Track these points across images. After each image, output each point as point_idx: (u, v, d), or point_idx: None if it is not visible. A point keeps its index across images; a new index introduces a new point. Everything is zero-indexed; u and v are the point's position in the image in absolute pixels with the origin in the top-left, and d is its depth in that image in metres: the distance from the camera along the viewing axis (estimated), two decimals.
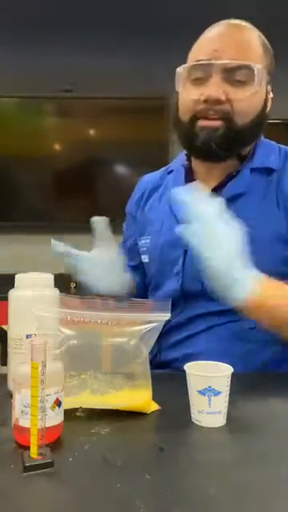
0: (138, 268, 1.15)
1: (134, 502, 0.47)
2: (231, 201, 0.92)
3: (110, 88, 2.82)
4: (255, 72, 0.89)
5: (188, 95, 0.93)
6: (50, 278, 0.79)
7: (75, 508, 0.48)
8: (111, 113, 2.94)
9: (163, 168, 1.17)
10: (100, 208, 3.04)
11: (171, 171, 1.11)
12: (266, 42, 0.96)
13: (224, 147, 0.91)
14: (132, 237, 1.17)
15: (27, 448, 0.55)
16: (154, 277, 1.07)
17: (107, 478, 0.53)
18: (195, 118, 0.92)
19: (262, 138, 1.02)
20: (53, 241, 0.94)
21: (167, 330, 0.93)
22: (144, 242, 1.08)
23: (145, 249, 1.08)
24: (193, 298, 0.96)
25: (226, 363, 0.69)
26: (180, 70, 0.95)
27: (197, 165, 1.03)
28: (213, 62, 0.88)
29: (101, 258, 1.01)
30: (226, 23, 0.94)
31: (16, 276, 0.79)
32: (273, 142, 1.04)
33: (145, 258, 1.08)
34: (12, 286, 0.79)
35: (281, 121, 2.68)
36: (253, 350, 0.92)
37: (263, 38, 0.96)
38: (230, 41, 0.90)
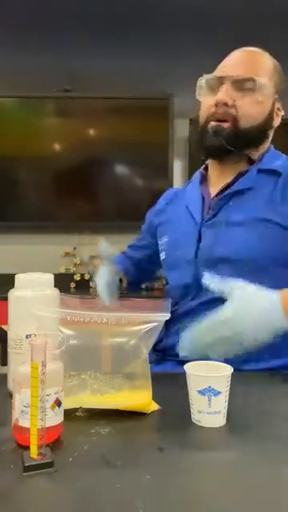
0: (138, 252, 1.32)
1: (133, 502, 0.48)
2: (239, 194, 1.06)
3: (110, 88, 2.82)
4: (257, 83, 1.04)
5: (205, 102, 1.11)
6: (50, 277, 0.79)
7: (75, 508, 0.48)
8: (111, 113, 2.94)
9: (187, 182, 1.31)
10: (100, 208, 3.06)
11: (189, 182, 1.24)
12: (277, 65, 1.11)
13: (231, 143, 1.04)
14: (143, 238, 1.32)
15: (27, 448, 0.55)
16: (169, 269, 1.16)
17: (107, 478, 0.53)
18: (208, 120, 1.07)
19: (273, 148, 1.14)
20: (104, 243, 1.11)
21: (177, 315, 1.03)
22: (164, 241, 1.19)
23: (163, 247, 1.18)
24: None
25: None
26: (200, 82, 1.11)
27: (211, 168, 1.16)
28: (223, 74, 1.07)
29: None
30: (243, 49, 1.11)
31: (16, 276, 0.79)
32: (282, 154, 1.15)
33: (162, 256, 1.18)
34: (12, 285, 0.79)
35: (281, 121, 2.67)
36: None
37: (275, 62, 1.11)
38: (240, 60, 1.09)
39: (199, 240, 1.06)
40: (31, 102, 2.94)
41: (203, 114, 1.10)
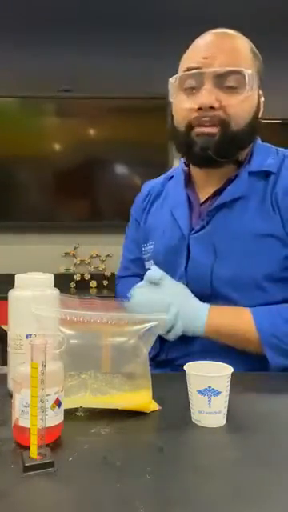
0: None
1: (133, 502, 0.47)
2: (230, 204, 0.97)
3: (109, 88, 2.82)
4: (246, 77, 0.91)
5: (182, 104, 0.95)
6: (50, 277, 0.79)
7: (75, 508, 0.48)
8: (111, 113, 2.94)
9: (165, 174, 1.19)
10: (100, 208, 3.06)
11: (171, 177, 1.14)
12: (254, 48, 0.98)
13: (221, 153, 0.93)
14: (138, 245, 1.17)
15: (27, 448, 0.55)
16: None
17: (107, 477, 0.53)
18: (190, 126, 0.94)
19: (259, 141, 1.04)
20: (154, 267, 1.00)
21: None
22: (148, 248, 1.10)
23: (149, 255, 1.10)
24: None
25: (226, 361, 0.69)
26: (172, 80, 0.97)
27: (195, 171, 1.05)
28: (204, 70, 0.91)
29: None
30: (215, 32, 0.96)
31: (16, 276, 0.79)
32: (271, 145, 1.04)
33: (149, 264, 1.09)
34: (12, 286, 0.79)
35: (281, 121, 2.68)
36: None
37: (251, 44, 0.97)
38: (220, 48, 0.92)
39: (188, 255, 0.99)
40: (31, 102, 2.94)
41: (182, 119, 0.95)
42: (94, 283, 2.98)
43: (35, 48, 2.87)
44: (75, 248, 3.00)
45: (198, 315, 0.92)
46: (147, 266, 1.10)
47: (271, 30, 2.56)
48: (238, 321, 0.92)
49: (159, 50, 2.74)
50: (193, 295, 0.95)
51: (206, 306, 0.94)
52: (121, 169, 3.01)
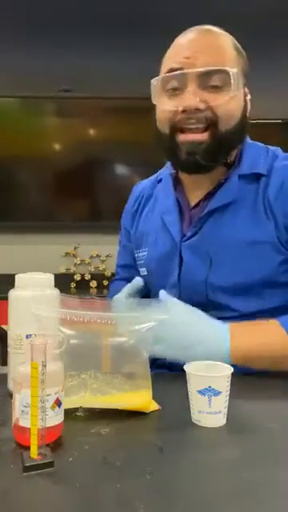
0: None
1: (133, 502, 0.47)
2: (221, 210, 0.94)
3: (109, 88, 2.82)
4: (231, 76, 0.87)
5: (165, 106, 0.91)
6: (50, 277, 0.79)
7: (75, 508, 0.48)
8: (111, 113, 2.94)
9: (154, 175, 1.17)
10: (100, 208, 3.06)
11: (160, 180, 1.11)
12: (239, 45, 0.94)
13: (210, 157, 0.90)
14: (128, 252, 1.16)
15: (27, 448, 0.55)
16: (152, 289, 1.06)
17: (107, 478, 0.52)
18: (175, 128, 0.90)
19: (249, 140, 1.01)
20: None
21: None
22: (141, 254, 1.08)
23: (142, 262, 1.08)
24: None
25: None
26: (154, 81, 0.93)
27: (183, 175, 1.01)
28: (186, 70, 0.87)
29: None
30: (196, 29, 0.92)
31: (16, 276, 0.79)
32: (260, 144, 1.01)
33: (143, 271, 1.08)
34: (12, 285, 0.79)
35: (281, 121, 2.68)
36: None
37: (235, 41, 0.94)
38: (202, 46, 0.89)
39: (181, 262, 0.97)
40: (31, 102, 2.95)
41: (165, 122, 0.91)
42: (94, 283, 2.98)
43: (35, 48, 2.87)
44: (75, 248, 3.00)
45: (217, 338, 0.82)
46: (141, 273, 1.08)
47: (271, 31, 2.56)
48: (268, 336, 0.83)
49: (159, 50, 2.74)
50: (205, 314, 0.86)
51: (225, 326, 0.83)
52: (121, 169, 3.01)
